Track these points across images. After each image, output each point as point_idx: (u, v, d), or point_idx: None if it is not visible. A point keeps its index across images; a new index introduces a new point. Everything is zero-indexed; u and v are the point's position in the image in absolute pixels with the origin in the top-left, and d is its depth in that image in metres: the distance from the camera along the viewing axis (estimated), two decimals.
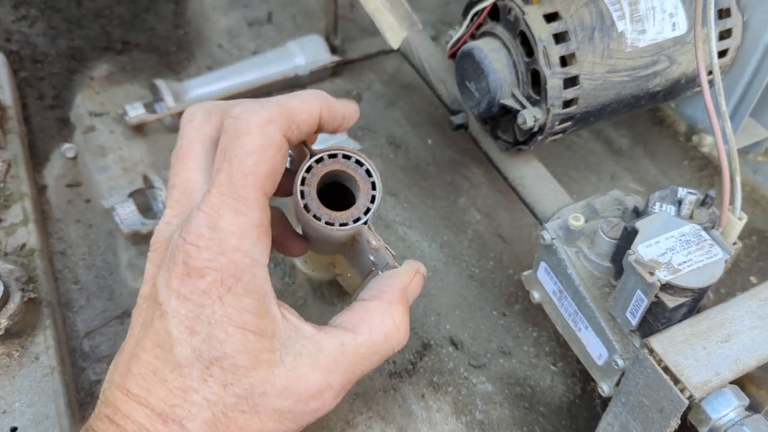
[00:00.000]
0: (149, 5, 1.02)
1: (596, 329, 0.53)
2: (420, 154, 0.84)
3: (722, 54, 0.61)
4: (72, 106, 0.87)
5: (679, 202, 0.50)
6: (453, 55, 0.62)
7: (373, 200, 0.45)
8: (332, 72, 0.91)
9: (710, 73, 0.47)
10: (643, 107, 0.61)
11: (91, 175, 0.79)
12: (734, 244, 0.49)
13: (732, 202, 0.48)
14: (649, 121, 0.87)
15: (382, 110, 0.89)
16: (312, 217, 0.44)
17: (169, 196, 0.43)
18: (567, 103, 0.55)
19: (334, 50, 0.90)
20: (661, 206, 0.50)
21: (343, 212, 0.44)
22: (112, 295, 0.68)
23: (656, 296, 0.46)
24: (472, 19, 0.59)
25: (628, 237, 0.49)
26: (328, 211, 0.44)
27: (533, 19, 0.53)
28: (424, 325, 0.67)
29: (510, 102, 0.56)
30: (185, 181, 0.42)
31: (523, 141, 0.59)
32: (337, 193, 0.47)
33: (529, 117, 0.55)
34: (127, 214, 0.70)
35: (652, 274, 0.45)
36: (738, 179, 0.47)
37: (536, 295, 0.60)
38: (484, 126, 0.64)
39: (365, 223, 0.45)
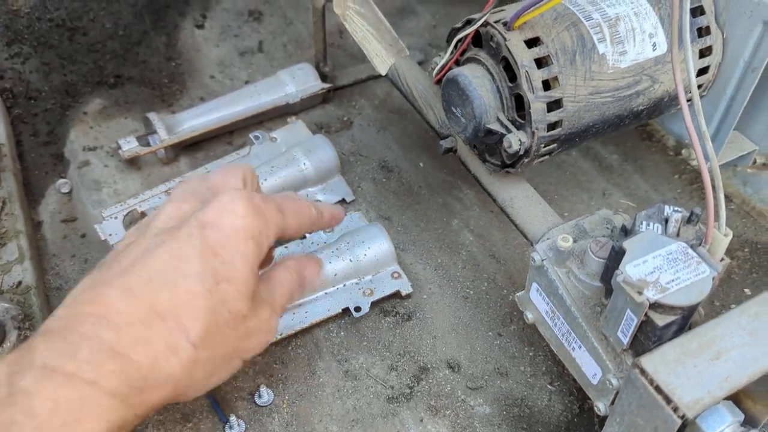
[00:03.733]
0: (141, 39, 1.03)
1: (589, 349, 0.53)
2: (412, 178, 0.84)
3: (704, 71, 0.62)
4: (66, 141, 0.87)
5: (666, 220, 0.51)
6: (439, 81, 0.63)
7: None
8: (323, 99, 0.92)
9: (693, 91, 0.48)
10: (627, 126, 0.62)
11: (86, 210, 0.79)
12: (722, 260, 0.49)
13: (717, 218, 0.48)
14: (637, 137, 0.88)
15: (374, 135, 0.89)
16: None
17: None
18: (551, 126, 0.56)
19: (324, 77, 0.91)
20: (648, 225, 0.51)
21: None
22: None
23: (646, 315, 0.46)
24: (455, 45, 0.59)
25: (616, 256, 0.49)
26: None
27: (515, 45, 0.54)
28: (420, 348, 0.67)
29: (495, 126, 0.57)
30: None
31: (510, 164, 0.60)
32: None
33: (515, 141, 0.55)
34: None
35: (640, 293, 0.46)
36: (722, 196, 0.47)
37: (530, 316, 0.60)
38: (472, 149, 0.65)
39: None
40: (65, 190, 0.81)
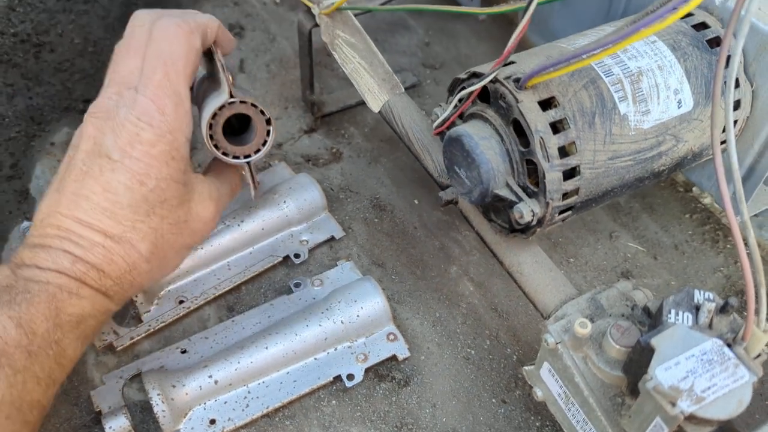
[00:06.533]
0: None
1: None
2: (407, 217, 0.79)
3: None
4: (31, 176, 0.81)
5: (697, 308, 0.46)
6: (439, 134, 0.57)
7: (264, 143, 0.58)
8: (310, 128, 0.86)
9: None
10: (646, 186, 0.57)
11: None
12: (758, 356, 0.44)
13: (757, 313, 0.43)
14: None
15: (365, 168, 0.83)
16: (213, 146, 0.56)
17: (111, 78, 0.54)
18: (567, 195, 0.50)
19: (311, 105, 0.85)
20: (677, 314, 0.45)
21: (238, 147, 0.57)
22: (79, 399, 0.62)
23: (678, 427, 0.41)
24: (460, 99, 0.54)
25: (643, 353, 0.44)
26: (226, 143, 0.57)
27: (528, 108, 0.48)
28: (419, 419, 0.62)
29: (504, 193, 0.51)
30: (128, 70, 0.53)
31: (519, 230, 0.54)
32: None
33: (527, 211, 0.50)
34: None
35: (673, 404, 0.41)
36: (764, 292, 0.42)
37: (539, 393, 0.55)
38: (476, 206, 0.60)
39: (248, 162, 0.59)
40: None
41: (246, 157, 0.58)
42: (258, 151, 0.58)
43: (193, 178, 0.57)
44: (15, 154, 0.83)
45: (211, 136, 0.56)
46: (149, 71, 0.51)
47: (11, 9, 0.97)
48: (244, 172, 0.62)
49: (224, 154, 0.57)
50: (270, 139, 0.58)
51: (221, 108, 0.55)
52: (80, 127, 0.54)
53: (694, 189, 0.79)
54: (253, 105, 0.56)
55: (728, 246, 0.75)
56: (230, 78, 0.56)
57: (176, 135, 0.52)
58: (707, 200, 0.78)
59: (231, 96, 0.55)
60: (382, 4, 0.81)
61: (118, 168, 0.51)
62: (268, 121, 0.57)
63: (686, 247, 0.76)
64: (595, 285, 0.73)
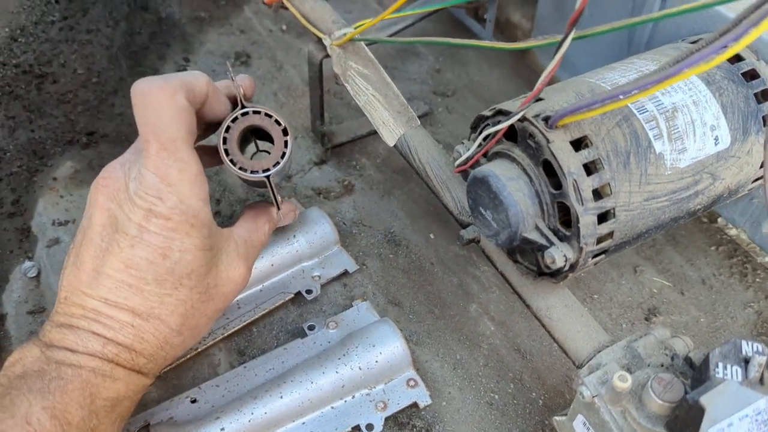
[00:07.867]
0: (117, 87, 0.94)
1: None
2: (422, 252, 0.76)
3: None
4: (33, 213, 0.78)
5: (745, 361, 0.43)
6: (461, 171, 0.55)
7: (283, 156, 0.54)
8: (321, 159, 0.83)
9: None
10: (679, 224, 0.54)
11: (56, 299, 0.70)
12: None
13: None
14: None
15: (377, 201, 0.81)
16: (229, 161, 0.53)
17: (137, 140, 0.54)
18: (601, 238, 0.48)
19: (322, 136, 0.83)
20: (725, 368, 0.43)
21: (255, 161, 0.54)
22: None
23: None
24: (484, 138, 0.51)
25: (690, 411, 0.41)
26: (242, 158, 0.53)
27: (559, 148, 0.46)
28: None
29: (534, 236, 0.49)
30: (138, 138, 0.53)
31: (549, 274, 0.52)
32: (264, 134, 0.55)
33: (559, 256, 0.47)
34: None
35: None
36: None
37: None
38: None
39: (268, 176, 0.54)
40: (32, 274, 0.72)
41: (265, 171, 0.54)
42: (277, 163, 0.53)
43: (218, 238, 0.54)
44: (16, 190, 0.81)
45: (226, 152, 0.53)
46: (145, 145, 0.48)
47: (13, 39, 0.95)
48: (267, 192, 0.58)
49: (242, 170, 0.53)
50: (288, 150, 0.53)
51: (234, 120, 0.52)
52: (90, 194, 0.51)
53: (719, 220, 0.76)
54: (267, 115, 0.53)
55: (757, 280, 0.73)
56: (242, 91, 0.54)
57: (190, 202, 0.49)
58: (733, 232, 0.76)
59: (242, 107, 0.52)
60: (393, 34, 0.79)
61: (138, 243, 0.49)
62: (285, 131, 0.53)
63: (714, 281, 0.73)
64: (620, 323, 0.70)
